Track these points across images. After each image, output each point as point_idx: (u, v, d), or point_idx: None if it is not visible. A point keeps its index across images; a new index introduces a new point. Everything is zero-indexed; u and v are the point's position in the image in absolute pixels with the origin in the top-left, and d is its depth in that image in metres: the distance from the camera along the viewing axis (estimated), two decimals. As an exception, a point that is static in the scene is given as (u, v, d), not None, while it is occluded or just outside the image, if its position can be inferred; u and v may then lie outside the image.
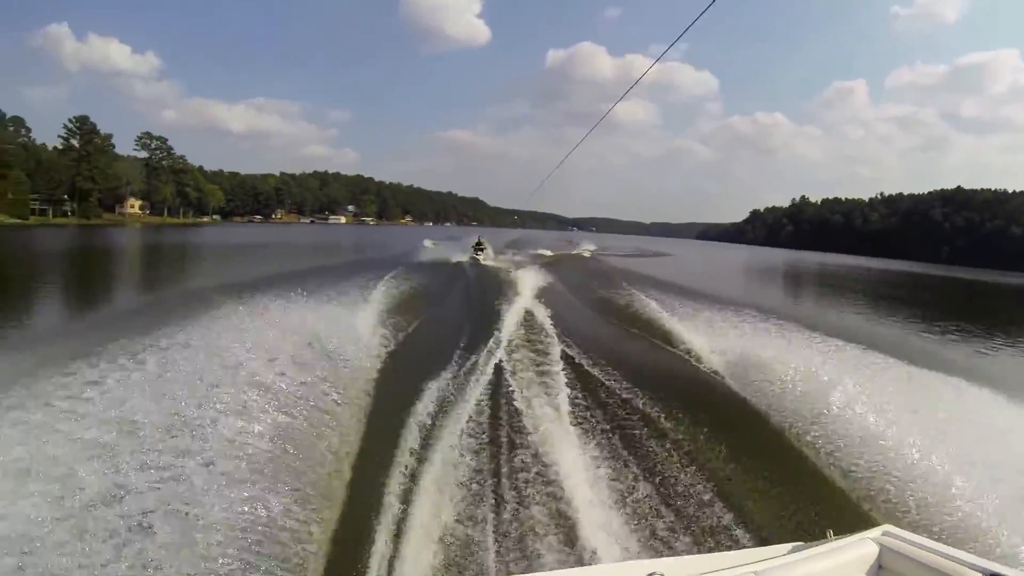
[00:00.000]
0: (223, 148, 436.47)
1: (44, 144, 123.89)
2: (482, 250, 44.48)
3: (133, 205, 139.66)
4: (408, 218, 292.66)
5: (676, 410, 11.11)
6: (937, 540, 4.20)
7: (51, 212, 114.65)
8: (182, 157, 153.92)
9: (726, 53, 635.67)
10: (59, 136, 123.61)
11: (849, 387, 11.29)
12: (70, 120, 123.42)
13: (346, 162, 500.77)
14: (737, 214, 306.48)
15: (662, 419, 10.86)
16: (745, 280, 62.16)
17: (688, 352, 15.97)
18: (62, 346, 12.21)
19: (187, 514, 5.93)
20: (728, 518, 7.75)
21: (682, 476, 8.76)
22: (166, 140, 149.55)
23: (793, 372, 12.51)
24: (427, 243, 63.38)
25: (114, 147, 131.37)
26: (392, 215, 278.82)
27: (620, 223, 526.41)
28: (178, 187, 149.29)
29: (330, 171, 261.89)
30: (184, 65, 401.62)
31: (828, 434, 9.96)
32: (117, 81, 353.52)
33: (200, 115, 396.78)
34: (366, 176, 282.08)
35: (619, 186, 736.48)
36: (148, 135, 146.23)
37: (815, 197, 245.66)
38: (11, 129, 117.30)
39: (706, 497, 8.19)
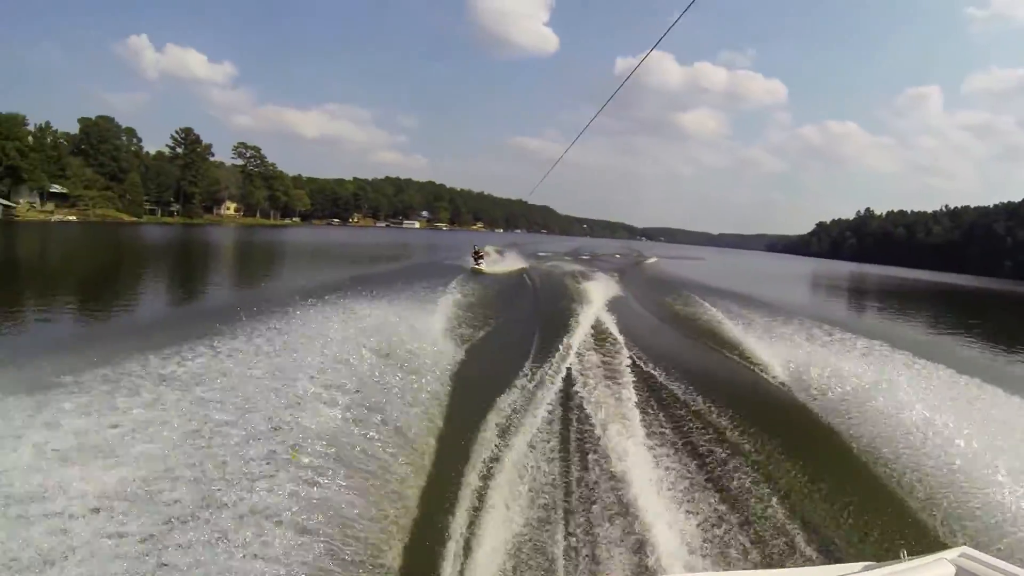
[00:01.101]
0: (297, 153, 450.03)
1: (148, 152, 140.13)
2: (482, 258, 43.88)
3: (229, 207, 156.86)
4: (480, 224, 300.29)
5: (744, 421, 10.87)
6: (1018, 565, 3.83)
7: (160, 212, 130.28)
8: (273, 165, 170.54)
9: (795, 60, 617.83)
10: (167, 145, 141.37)
11: (926, 404, 11.06)
12: (176, 131, 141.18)
13: (416, 168, 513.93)
14: (807, 226, 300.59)
15: (730, 430, 10.63)
16: (796, 291, 60.00)
17: (754, 362, 15.91)
18: (161, 334, 13.37)
19: (262, 511, 6.09)
20: (799, 534, 7.54)
21: (752, 488, 8.52)
22: (259, 149, 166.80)
23: (867, 386, 12.46)
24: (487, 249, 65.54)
25: (213, 155, 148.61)
26: (464, 221, 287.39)
27: (688, 233, 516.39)
28: (270, 192, 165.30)
29: (401, 176, 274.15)
30: (257, 73, 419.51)
31: (902, 450, 9.74)
32: (194, 88, 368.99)
33: (273, 121, 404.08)
34: (438, 182, 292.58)
35: (688, 197, 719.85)
36: (243, 145, 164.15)
37: (885, 209, 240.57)
38: (124, 139, 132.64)
39: (776, 511, 7.97)
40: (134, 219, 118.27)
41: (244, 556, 5.46)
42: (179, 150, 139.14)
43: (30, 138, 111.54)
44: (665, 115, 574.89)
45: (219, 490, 6.38)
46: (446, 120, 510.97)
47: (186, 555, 5.40)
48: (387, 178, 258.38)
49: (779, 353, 16.35)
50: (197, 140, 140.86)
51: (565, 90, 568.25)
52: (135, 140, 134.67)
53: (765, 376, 14.87)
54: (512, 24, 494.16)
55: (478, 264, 42.19)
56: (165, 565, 5.29)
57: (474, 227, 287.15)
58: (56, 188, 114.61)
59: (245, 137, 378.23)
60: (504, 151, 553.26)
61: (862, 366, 14.47)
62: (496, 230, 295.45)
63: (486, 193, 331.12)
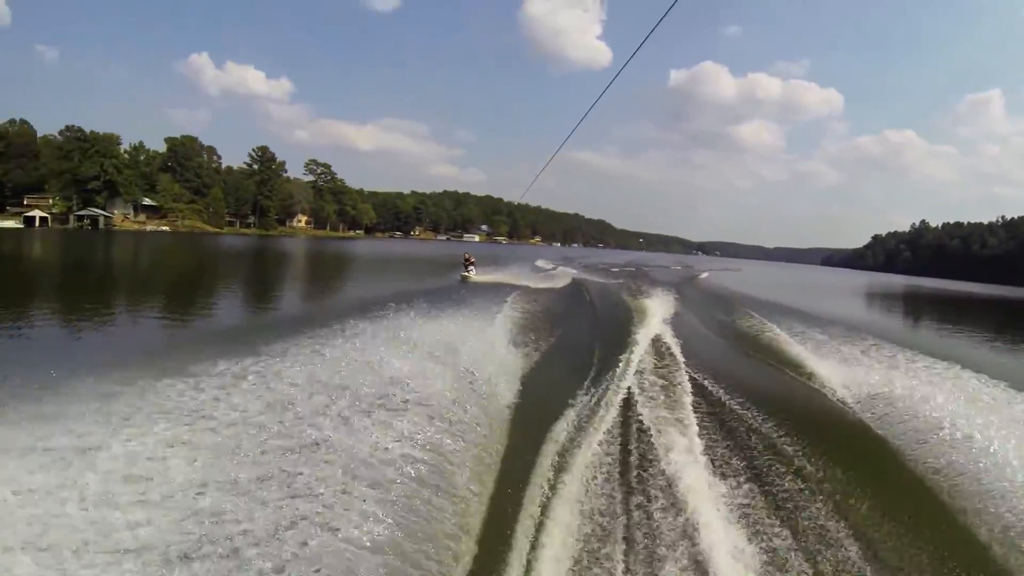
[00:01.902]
0: (354, 165, 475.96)
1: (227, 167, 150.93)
2: (472, 266, 43.90)
3: (300, 220, 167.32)
4: (537, 238, 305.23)
5: (807, 443, 10.53)
6: None
7: (238, 224, 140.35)
8: (342, 180, 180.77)
9: (851, 68, 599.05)
10: (244, 162, 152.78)
11: (1000, 434, 10.57)
12: (254, 149, 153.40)
13: (473, 181, 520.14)
14: (864, 239, 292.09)
15: (793, 451, 10.29)
16: (835, 303, 55.87)
17: (815, 381, 15.56)
18: (242, 339, 14.29)
19: (326, 523, 6.33)
20: (867, 566, 7.34)
21: (816, 514, 8.24)
22: (329, 166, 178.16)
23: (936, 412, 11.96)
24: (540, 263, 66.01)
25: (286, 171, 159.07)
26: (522, 235, 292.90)
27: (743, 247, 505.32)
28: (339, 206, 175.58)
29: (458, 190, 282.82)
30: (314, 89, 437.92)
31: (972, 481, 9.30)
32: (253, 104, 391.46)
33: (330, 134, 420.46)
34: (495, 196, 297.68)
35: (744, 210, 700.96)
36: (314, 162, 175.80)
37: (944, 220, 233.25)
38: (204, 156, 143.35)
39: (842, 539, 7.71)
40: (216, 230, 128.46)
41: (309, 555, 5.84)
42: (255, 167, 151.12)
43: (125, 155, 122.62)
44: (720, 128, 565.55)
45: (291, 495, 6.81)
46: (502, 134, 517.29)
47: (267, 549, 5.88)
48: (445, 192, 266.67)
49: (841, 372, 15.98)
50: (272, 158, 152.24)
51: (620, 103, 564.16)
52: (216, 157, 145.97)
53: (828, 397, 14.38)
54: (566, 39, 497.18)
55: (467, 271, 42.71)
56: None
57: (532, 241, 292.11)
58: (147, 201, 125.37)
59: (302, 150, 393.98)
60: (560, 165, 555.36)
61: (930, 388, 13.98)
62: (554, 243, 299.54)
63: (543, 207, 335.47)
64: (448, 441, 9.04)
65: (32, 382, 10.12)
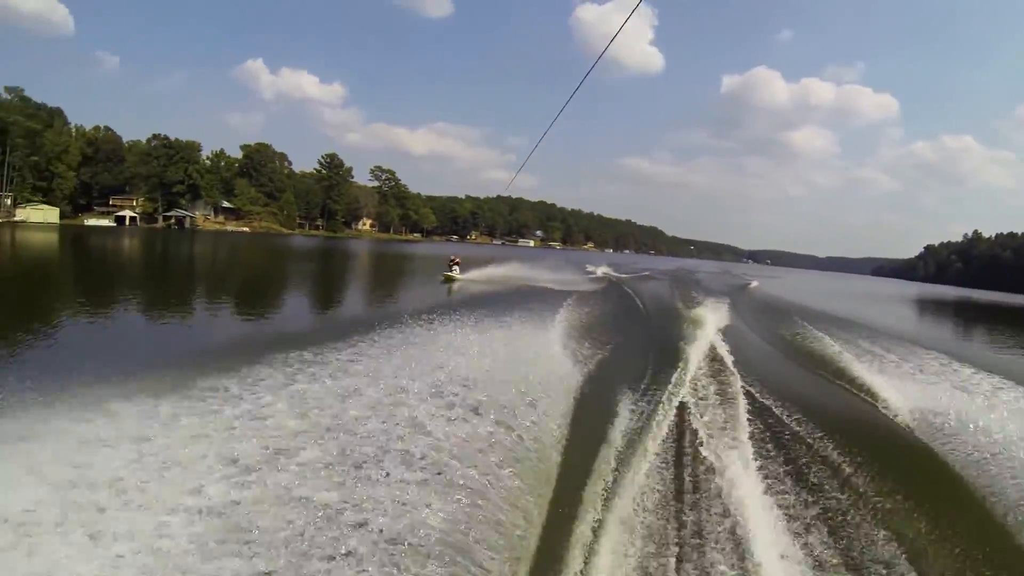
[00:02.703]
0: (408, 169, 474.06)
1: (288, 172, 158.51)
2: (456, 266, 44.65)
3: (365, 223, 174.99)
4: (590, 244, 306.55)
5: (861, 458, 10.32)
6: None
7: (307, 226, 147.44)
8: (405, 186, 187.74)
9: (907, 72, 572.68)
10: (314, 168, 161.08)
11: None
12: (322, 156, 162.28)
13: (526, 186, 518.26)
14: (917, 249, 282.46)
15: (846, 466, 10.10)
16: (896, 316, 54.26)
17: (873, 397, 15.07)
18: (314, 334, 16.35)
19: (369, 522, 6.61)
20: None
21: (868, 532, 8.05)
22: (394, 172, 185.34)
23: (996, 433, 11.67)
24: (590, 268, 67.82)
25: (353, 177, 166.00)
26: (575, 241, 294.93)
27: (794, 256, 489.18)
28: (403, 211, 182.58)
29: (511, 195, 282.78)
30: (367, 94, 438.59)
31: None
32: (307, 107, 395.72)
33: (382, 138, 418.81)
34: (549, 202, 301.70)
35: (796, 218, 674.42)
36: (379, 168, 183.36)
37: (1002, 229, 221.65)
38: (276, 163, 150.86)
39: (895, 560, 7.48)
40: (289, 231, 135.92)
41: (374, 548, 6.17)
42: (324, 172, 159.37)
43: (206, 161, 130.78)
44: (773, 134, 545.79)
45: (357, 490, 7.25)
46: (554, 140, 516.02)
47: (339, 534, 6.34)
48: (499, 196, 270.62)
49: (896, 387, 15.58)
50: (340, 164, 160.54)
51: (672, 110, 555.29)
52: (286, 163, 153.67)
53: (882, 411, 14.03)
54: (617, 44, 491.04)
55: (451, 271, 43.68)
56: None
57: (585, 247, 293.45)
58: (225, 204, 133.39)
59: (355, 153, 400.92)
60: (612, 171, 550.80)
61: (988, 406, 13.84)
62: (606, 249, 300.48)
63: (596, 213, 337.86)
64: (509, 443, 9.33)
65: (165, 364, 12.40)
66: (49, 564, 5.54)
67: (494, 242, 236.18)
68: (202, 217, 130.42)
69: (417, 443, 8.66)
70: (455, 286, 40.45)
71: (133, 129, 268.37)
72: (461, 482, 7.76)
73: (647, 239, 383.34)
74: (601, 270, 65.68)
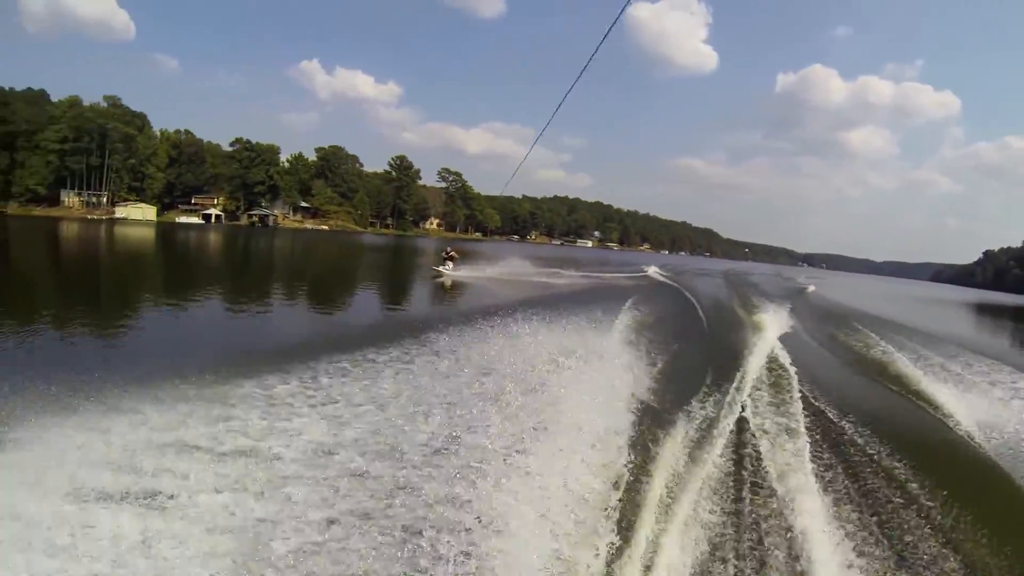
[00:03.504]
0: (463, 168, 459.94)
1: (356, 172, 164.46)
2: (451, 260, 42.36)
3: (432, 222, 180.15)
4: (646, 245, 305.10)
5: (924, 473, 10.09)
6: None
7: (378, 224, 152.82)
8: (470, 187, 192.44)
9: (969, 70, 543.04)
10: (384, 169, 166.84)
11: None
12: (393, 158, 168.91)
13: (580, 186, 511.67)
14: (977, 254, 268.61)
15: (912, 484, 9.80)
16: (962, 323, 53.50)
17: (938, 408, 14.70)
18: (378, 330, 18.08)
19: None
20: None
21: (931, 551, 7.80)
22: (460, 174, 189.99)
23: None
24: (649, 270, 67.82)
25: (421, 178, 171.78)
26: (632, 241, 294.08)
27: (850, 260, 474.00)
28: (469, 211, 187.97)
29: (567, 195, 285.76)
30: (421, 93, 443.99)
31: None
32: (362, 107, 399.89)
33: (437, 137, 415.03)
34: (605, 202, 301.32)
35: (852, 222, 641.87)
36: (446, 170, 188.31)
37: None
38: (349, 165, 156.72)
39: None
40: (362, 229, 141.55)
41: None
42: (394, 174, 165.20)
43: (285, 163, 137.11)
44: (829, 134, 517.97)
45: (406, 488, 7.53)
46: (609, 140, 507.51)
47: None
48: (555, 197, 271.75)
49: (966, 400, 15.22)
50: (409, 166, 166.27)
51: (726, 108, 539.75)
52: (358, 164, 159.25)
53: (947, 424, 13.64)
54: (671, 43, 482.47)
55: (445, 265, 41.39)
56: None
57: (641, 248, 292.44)
58: (304, 204, 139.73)
59: (410, 152, 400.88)
60: (667, 171, 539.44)
61: None
62: (662, 251, 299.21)
63: (651, 214, 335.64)
64: (560, 448, 9.18)
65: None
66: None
67: (553, 242, 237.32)
68: (281, 215, 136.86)
69: (476, 447, 8.74)
70: (446, 282, 38.82)
71: (194, 130, 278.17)
72: (521, 486, 7.72)
73: (702, 241, 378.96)
74: (651, 269, 66.65)
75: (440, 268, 41.02)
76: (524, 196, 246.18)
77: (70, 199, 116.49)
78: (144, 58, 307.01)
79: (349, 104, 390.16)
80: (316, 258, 61.62)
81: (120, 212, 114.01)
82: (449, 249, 43.87)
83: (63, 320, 18.95)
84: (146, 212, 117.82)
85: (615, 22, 9.29)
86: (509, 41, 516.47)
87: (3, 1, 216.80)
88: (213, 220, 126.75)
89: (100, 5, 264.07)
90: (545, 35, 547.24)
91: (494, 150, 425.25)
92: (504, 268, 48.79)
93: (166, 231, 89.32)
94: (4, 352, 14.57)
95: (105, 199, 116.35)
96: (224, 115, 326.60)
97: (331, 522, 6.68)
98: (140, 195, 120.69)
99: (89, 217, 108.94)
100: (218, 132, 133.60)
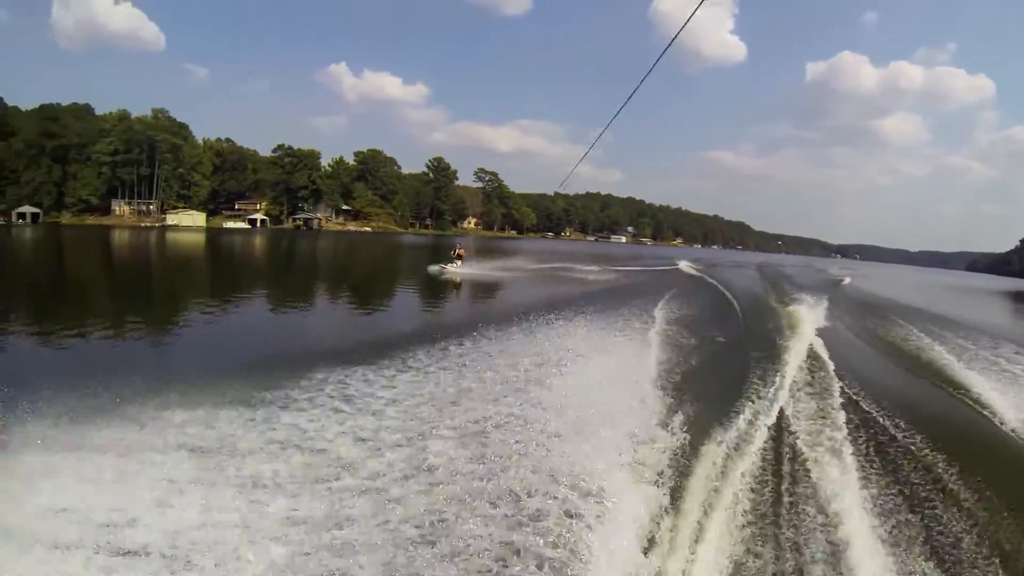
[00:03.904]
0: (493, 166, 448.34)
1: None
2: (460, 259, 41.98)
3: (470, 221, 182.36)
4: (679, 240, 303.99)
5: (967, 471, 9.80)
6: None
7: (417, 224, 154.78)
8: (507, 186, 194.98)
9: (1003, 51, 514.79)
10: (422, 171, 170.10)
11: None
12: (430, 160, 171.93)
13: (611, 181, 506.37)
14: (1015, 242, 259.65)
15: (954, 481, 9.57)
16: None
17: (983, 405, 14.23)
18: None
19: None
20: None
21: (974, 552, 7.65)
22: (496, 174, 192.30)
23: None
24: (682, 264, 68.03)
25: (458, 179, 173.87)
26: (665, 236, 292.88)
27: (884, 251, 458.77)
28: (506, 210, 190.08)
29: (597, 191, 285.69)
30: (449, 93, 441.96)
31: None
32: (391, 109, 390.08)
33: (466, 136, 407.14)
34: (637, 198, 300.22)
35: (886, 212, 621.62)
36: (482, 170, 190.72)
37: None
38: (388, 167, 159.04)
39: None
40: (402, 230, 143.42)
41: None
42: (431, 175, 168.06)
43: (327, 168, 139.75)
44: (860, 122, 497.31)
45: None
46: (639, 135, 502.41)
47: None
48: (588, 193, 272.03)
49: (1010, 394, 14.91)
50: (447, 167, 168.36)
51: (755, 100, 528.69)
52: (396, 167, 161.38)
53: (996, 423, 13.14)
54: (698, 35, 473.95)
55: (454, 264, 40.88)
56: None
57: (674, 242, 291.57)
58: (345, 207, 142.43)
59: (441, 151, 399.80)
60: (698, 165, 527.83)
61: None
62: (694, 245, 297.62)
63: (683, 208, 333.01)
64: (600, 444, 9.26)
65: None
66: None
67: (587, 238, 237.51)
68: (324, 218, 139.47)
69: (504, 448, 8.94)
70: (453, 279, 38.73)
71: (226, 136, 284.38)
72: (553, 490, 7.76)
73: (734, 234, 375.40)
74: (683, 264, 66.04)
75: (446, 267, 40.60)
76: (556, 193, 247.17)
77: (121, 208, 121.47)
78: (175, 68, 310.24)
79: (377, 106, 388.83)
80: (362, 259, 64.00)
81: (172, 219, 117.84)
82: (458, 247, 44.22)
83: (160, 314, 22.54)
84: (196, 219, 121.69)
85: (677, 33, 8.84)
86: (535, 38, 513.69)
87: (35, 19, 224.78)
88: (258, 224, 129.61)
89: (130, 18, 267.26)
90: (571, 31, 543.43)
91: (523, 147, 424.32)
92: (526, 264, 49.67)
93: (219, 236, 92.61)
94: (114, 341, 17.25)
95: (154, 207, 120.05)
96: (254, 120, 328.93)
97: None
98: (187, 202, 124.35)
99: (143, 224, 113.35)
100: (250, 137, 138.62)
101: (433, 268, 41.08)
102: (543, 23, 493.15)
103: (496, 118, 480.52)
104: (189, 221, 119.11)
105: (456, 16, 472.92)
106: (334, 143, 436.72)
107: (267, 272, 46.09)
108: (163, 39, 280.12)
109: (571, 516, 7.09)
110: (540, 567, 6.22)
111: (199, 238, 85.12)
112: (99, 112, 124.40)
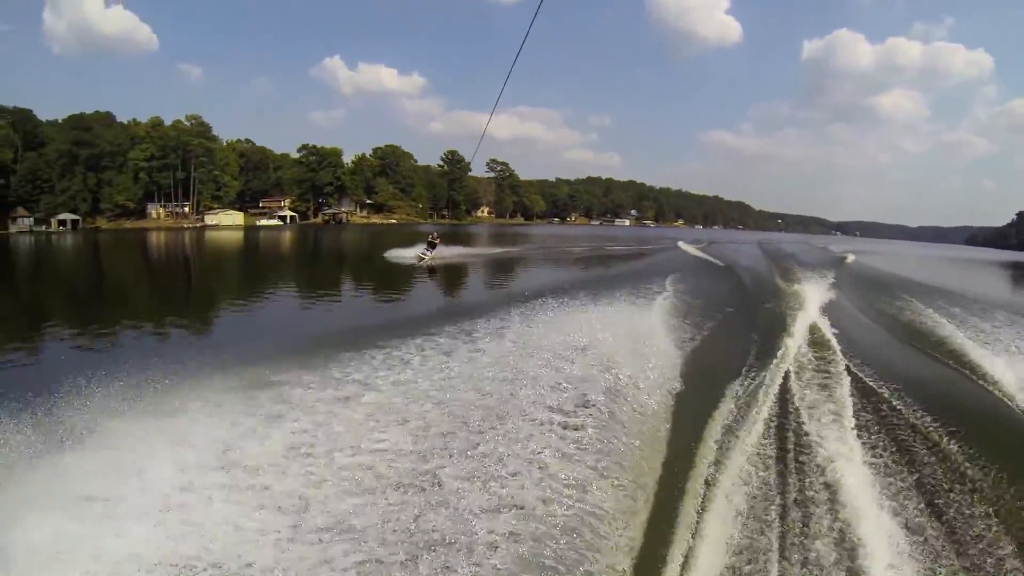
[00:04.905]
0: (492, 154, 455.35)
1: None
2: (435, 246, 42.70)
3: (483, 210, 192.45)
4: (681, 221, 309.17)
5: (973, 445, 9.76)
6: None
7: (435, 215, 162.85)
8: (517, 175, 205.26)
9: (1001, 23, 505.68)
10: (437, 164, 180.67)
11: None
12: (445, 153, 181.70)
13: (609, 165, 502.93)
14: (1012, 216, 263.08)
15: (957, 454, 9.59)
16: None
17: (989, 380, 14.18)
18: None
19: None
20: None
21: (980, 525, 7.71)
22: (507, 164, 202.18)
23: None
24: (681, 244, 70.10)
25: (471, 170, 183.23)
26: (667, 219, 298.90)
27: (885, 227, 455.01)
28: (517, 199, 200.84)
29: (596, 175, 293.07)
30: (445, 82, 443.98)
31: None
32: (387, 100, 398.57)
33: (464, 125, 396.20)
34: (638, 181, 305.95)
35: (885, 188, 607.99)
36: (495, 161, 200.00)
37: None
38: (406, 161, 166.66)
39: (1004, 552, 7.25)
40: (423, 220, 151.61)
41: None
42: (446, 167, 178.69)
43: (350, 165, 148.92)
44: (858, 100, 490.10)
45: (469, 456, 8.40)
46: (637, 117, 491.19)
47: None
48: (589, 178, 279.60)
49: (1012, 367, 14.78)
50: (461, 159, 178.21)
51: (753, 80, 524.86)
52: (413, 160, 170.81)
53: (1001, 397, 13.20)
54: (693, 16, 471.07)
55: (426, 252, 41.54)
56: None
57: (676, 223, 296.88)
58: (368, 201, 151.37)
59: (439, 141, 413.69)
60: (697, 146, 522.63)
61: None
62: (696, 226, 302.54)
63: (684, 190, 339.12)
64: (606, 423, 9.62)
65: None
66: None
67: (592, 223, 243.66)
68: (349, 213, 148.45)
69: (521, 426, 9.36)
70: (430, 264, 40.59)
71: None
72: (564, 463, 8.32)
73: (735, 214, 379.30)
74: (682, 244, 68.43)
75: (421, 253, 41.65)
76: (558, 179, 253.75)
77: (156, 211, 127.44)
78: (170, 68, 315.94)
79: (374, 98, 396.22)
80: (386, 243, 65.73)
81: (212, 219, 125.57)
82: (434, 234, 44.77)
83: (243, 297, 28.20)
84: (235, 218, 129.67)
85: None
86: (526, 25, 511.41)
87: (29, 24, 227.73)
88: (288, 220, 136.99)
89: (122, 21, 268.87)
90: (566, 15, 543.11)
91: (521, 134, 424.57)
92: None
93: (262, 232, 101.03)
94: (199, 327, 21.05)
95: (188, 209, 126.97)
96: (252, 118, 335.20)
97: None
98: (219, 202, 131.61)
99: (185, 226, 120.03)
100: (249, 135, 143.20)
101: (409, 255, 42.72)
102: (535, 10, 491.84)
103: (491, 106, 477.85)
104: (229, 220, 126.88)
105: (449, 4, 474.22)
106: (334, 137, 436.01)
107: (347, 255, 55.29)
108: (156, 40, 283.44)
109: (566, 500, 7.45)
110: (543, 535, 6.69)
111: (240, 235, 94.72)
112: (120, 119, 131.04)
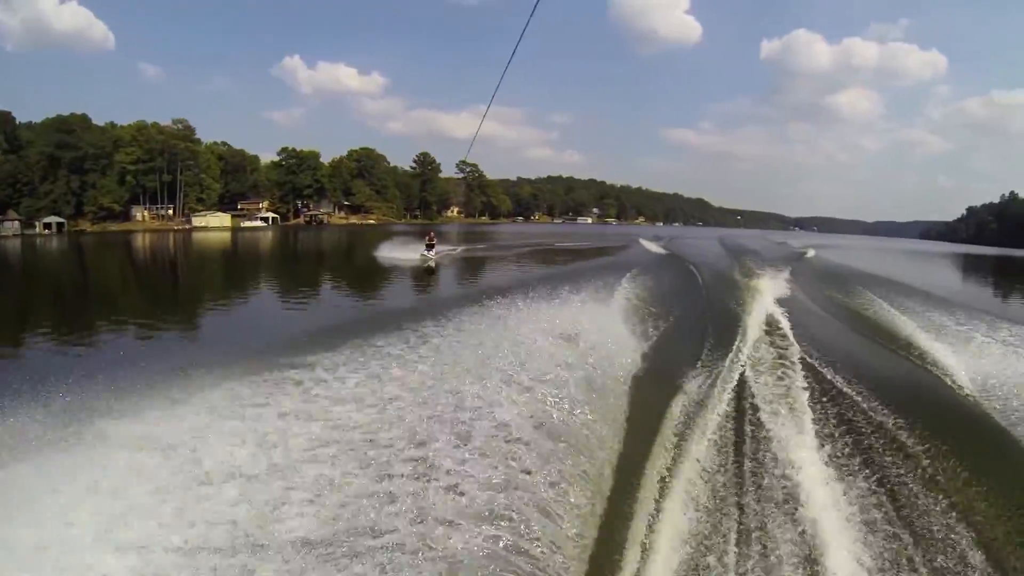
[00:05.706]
0: (451, 152, 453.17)
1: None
2: (432, 247, 44.65)
3: (453, 210, 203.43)
4: (641, 219, 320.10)
5: (926, 433, 9.99)
6: None
7: (408, 215, 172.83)
8: (486, 176, 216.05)
9: (952, 25, 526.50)
10: (409, 165, 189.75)
11: None
12: (417, 155, 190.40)
13: (570, 163, 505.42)
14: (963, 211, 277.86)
15: (909, 441, 9.83)
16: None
17: (935, 366, 14.72)
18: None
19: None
20: (975, 557, 7.01)
21: (934, 511, 7.83)
22: (477, 165, 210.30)
23: None
24: (643, 242, 72.04)
25: (441, 171, 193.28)
26: (628, 216, 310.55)
27: (842, 222, 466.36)
28: (485, 198, 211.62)
29: (559, 174, 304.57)
30: (405, 82, 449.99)
31: None
32: (347, 99, 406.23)
33: (424, 124, 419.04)
34: (599, 180, 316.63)
35: (842, 184, 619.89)
36: (464, 162, 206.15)
37: None
38: (382, 164, 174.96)
39: (956, 537, 7.32)
40: (398, 221, 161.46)
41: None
42: (418, 169, 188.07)
43: (328, 167, 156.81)
44: (816, 99, 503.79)
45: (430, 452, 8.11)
46: (597, 116, 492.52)
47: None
48: (550, 177, 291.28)
49: (963, 358, 15.25)
50: (432, 161, 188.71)
51: (713, 79, 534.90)
52: (386, 163, 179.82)
53: (948, 383, 13.59)
54: (654, 16, 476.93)
55: (427, 252, 43.78)
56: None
57: (636, 221, 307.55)
58: (345, 202, 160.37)
59: (398, 140, 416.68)
60: (657, 144, 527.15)
61: None
62: (657, 223, 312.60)
63: (644, 188, 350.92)
64: (564, 419, 9.46)
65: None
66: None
67: (555, 221, 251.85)
68: (328, 214, 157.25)
69: (472, 424, 9.05)
70: (432, 264, 42.64)
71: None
72: (516, 457, 8.05)
73: (695, 211, 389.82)
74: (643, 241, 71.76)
75: (423, 253, 44.10)
76: (519, 178, 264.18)
77: (141, 214, 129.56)
78: (127, 67, 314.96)
79: (334, 97, 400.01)
80: (372, 241, 68.96)
81: (199, 221, 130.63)
82: (431, 234, 47.17)
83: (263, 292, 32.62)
84: (223, 220, 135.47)
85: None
86: (491, 25, 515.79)
87: None
88: (271, 222, 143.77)
89: (77, 17, 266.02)
90: (525, 14, 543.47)
91: (481, 133, 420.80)
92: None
93: (247, 234, 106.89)
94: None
95: (172, 211, 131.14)
96: (213, 117, 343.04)
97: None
98: (203, 205, 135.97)
99: (174, 228, 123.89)
100: (210, 134, 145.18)
101: (415, 257, 44.76)
102: (498, 10, 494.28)
103: (453, 105, 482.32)
104: (216, 222, 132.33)
105: (410, 4, 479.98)
106: (293, 137, 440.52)
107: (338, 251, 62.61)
108: (112, 38, 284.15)
109: (519, 496, 7.20)
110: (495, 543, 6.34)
111: (236, 236, 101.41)
112: (96, 121, 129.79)
